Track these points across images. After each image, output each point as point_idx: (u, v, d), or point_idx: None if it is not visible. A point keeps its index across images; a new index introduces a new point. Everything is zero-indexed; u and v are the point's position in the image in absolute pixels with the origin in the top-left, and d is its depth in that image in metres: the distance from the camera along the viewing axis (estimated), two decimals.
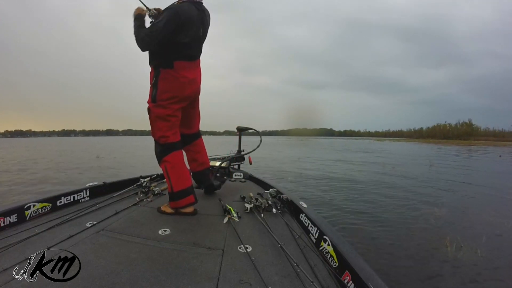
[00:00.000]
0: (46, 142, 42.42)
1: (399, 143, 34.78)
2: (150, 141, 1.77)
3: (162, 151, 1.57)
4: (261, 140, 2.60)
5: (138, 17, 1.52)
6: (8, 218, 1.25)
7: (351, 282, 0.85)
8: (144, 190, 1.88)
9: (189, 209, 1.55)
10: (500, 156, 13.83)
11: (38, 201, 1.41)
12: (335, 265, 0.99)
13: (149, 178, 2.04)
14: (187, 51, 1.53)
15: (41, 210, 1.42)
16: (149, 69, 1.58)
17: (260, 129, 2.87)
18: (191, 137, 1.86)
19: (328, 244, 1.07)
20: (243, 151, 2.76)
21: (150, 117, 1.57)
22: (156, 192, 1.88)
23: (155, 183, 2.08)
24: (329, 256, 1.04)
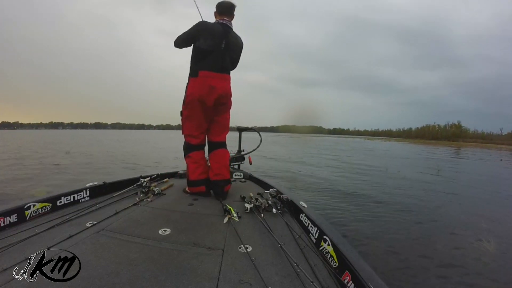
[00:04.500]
0: (27, 134, 40.22)
1: (390, 143, 34.51)
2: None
3: (186, 148, 1.94)
4: (261, 140, 2.61)
5: None
6: (8, 218, 1.24)
7: (351, 282, 0.86)
8: (144, 190, 1.87)
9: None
10: (501, 160, 13.69)
11: (38, 201, 1.40)
12: (335, 265, 1.00)
13: (149, 178, 2.04)
14: (209, 61, 1.76)
15: (41, 210, 1.41)
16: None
17: (250, 125, 2.89)
18: (213, 145, 1.97)
19: (328, 244, 1.09)
20: (243, 151, 2.76)
21: (181, 118, 1.90)
22: (156, 192, 1.87)
23: (155, 183, 2.07)
24: (329, 256, 1.06)
